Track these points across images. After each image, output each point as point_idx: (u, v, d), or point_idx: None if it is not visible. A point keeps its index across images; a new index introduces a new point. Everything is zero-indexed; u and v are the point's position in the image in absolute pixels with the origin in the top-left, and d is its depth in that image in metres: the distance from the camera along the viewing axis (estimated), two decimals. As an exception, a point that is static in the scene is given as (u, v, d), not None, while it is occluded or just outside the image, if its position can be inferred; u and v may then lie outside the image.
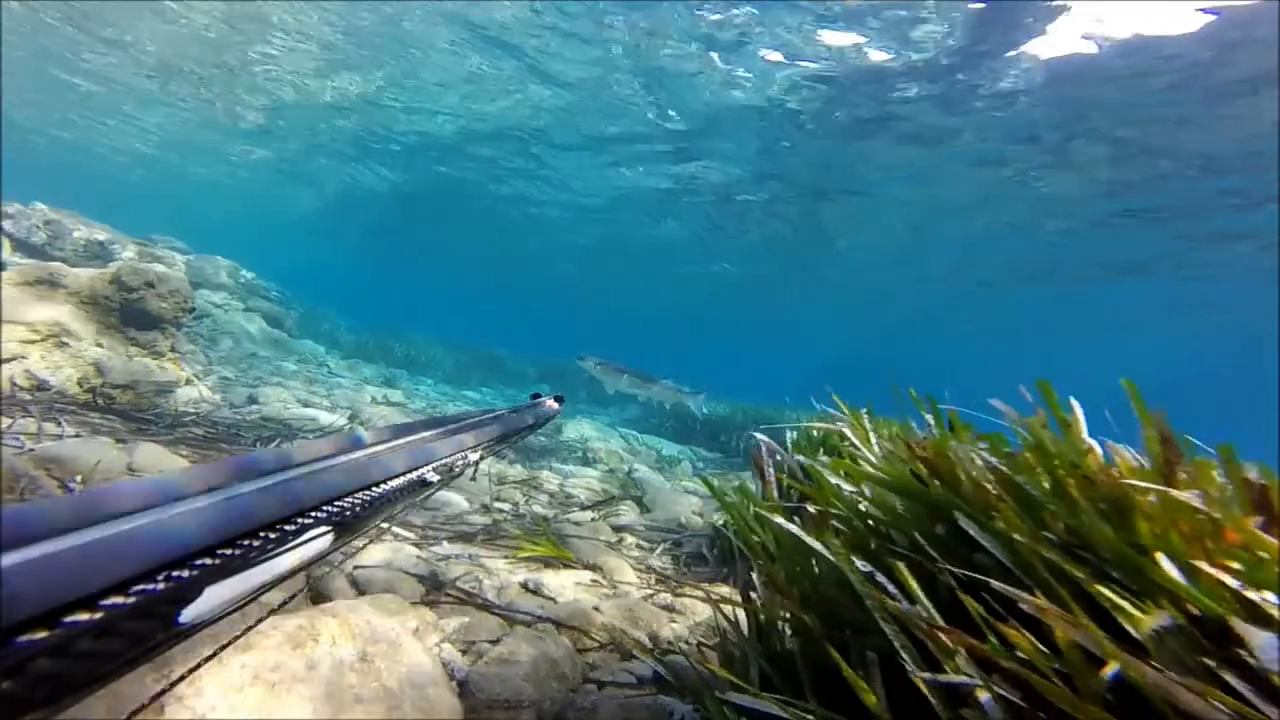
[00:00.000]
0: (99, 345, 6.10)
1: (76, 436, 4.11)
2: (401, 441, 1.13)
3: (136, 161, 25.23)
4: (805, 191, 16.75)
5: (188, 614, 0.60)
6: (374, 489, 0.90)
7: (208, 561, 0.61)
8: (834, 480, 2.05)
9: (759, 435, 3.38)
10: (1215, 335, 29.91)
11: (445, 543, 3.78)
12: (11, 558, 0.46)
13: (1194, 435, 1.48)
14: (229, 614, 0.66)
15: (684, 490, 7.69)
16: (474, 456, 1.40)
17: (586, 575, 3.58)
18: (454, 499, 4.85)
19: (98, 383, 5.79)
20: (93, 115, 19.52)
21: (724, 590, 3.59)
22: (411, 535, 3.78)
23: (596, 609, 3.08)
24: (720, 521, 4.83)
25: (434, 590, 2.99)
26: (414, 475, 1.04)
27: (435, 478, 1.12)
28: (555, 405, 2.33)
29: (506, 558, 3.71)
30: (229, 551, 0.64)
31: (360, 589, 2.86)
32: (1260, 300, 19.60)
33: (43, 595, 0.46)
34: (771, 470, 3.64)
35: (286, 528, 0.71)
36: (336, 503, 0.81)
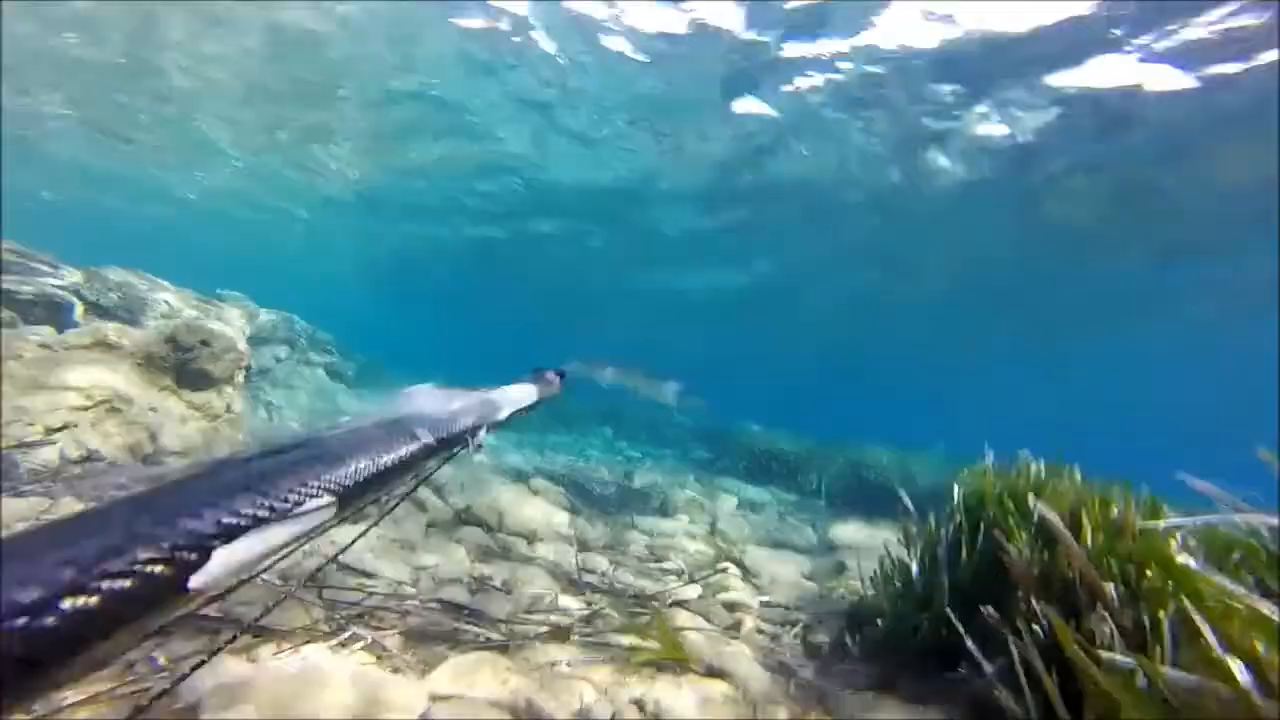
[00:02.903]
0: (152, 410, 5.73)
1: None
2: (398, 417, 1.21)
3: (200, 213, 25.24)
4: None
5: (196, 580, 0.62)
6: (375, 461, 0.99)
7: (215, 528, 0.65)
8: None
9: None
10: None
11: (538, 644, 3.11)
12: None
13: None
14: (241, 584, 0.75)
15: (775, 544, 6.90)
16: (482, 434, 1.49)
17: (716, 689, 2.85)
18: (537, 575, 4.20)
19: (150, 450, 5.41)
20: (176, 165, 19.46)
21: None
22: (497, 636, 3.12)
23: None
24: (852, 594, 4.05)
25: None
26: (415, 449, 1.12)
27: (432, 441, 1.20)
28: (557, 379, 2.41)
29: (611, 661, 3.02)
30: (233, 521, 0.68)
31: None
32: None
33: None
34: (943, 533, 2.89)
35: (290, 496, 0.77)
36: (339, 475, 0.88)
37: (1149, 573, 2.17)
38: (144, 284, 7.81)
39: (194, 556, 0.63)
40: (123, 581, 0.55)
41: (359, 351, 15.00)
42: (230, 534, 0.68)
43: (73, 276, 6.99)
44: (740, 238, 17.94)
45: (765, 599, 4.38)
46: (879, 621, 3.21)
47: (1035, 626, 2.18)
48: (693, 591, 4.45)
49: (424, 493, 5.51)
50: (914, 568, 3.02)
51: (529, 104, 12.10)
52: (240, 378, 6.87)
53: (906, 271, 18.70)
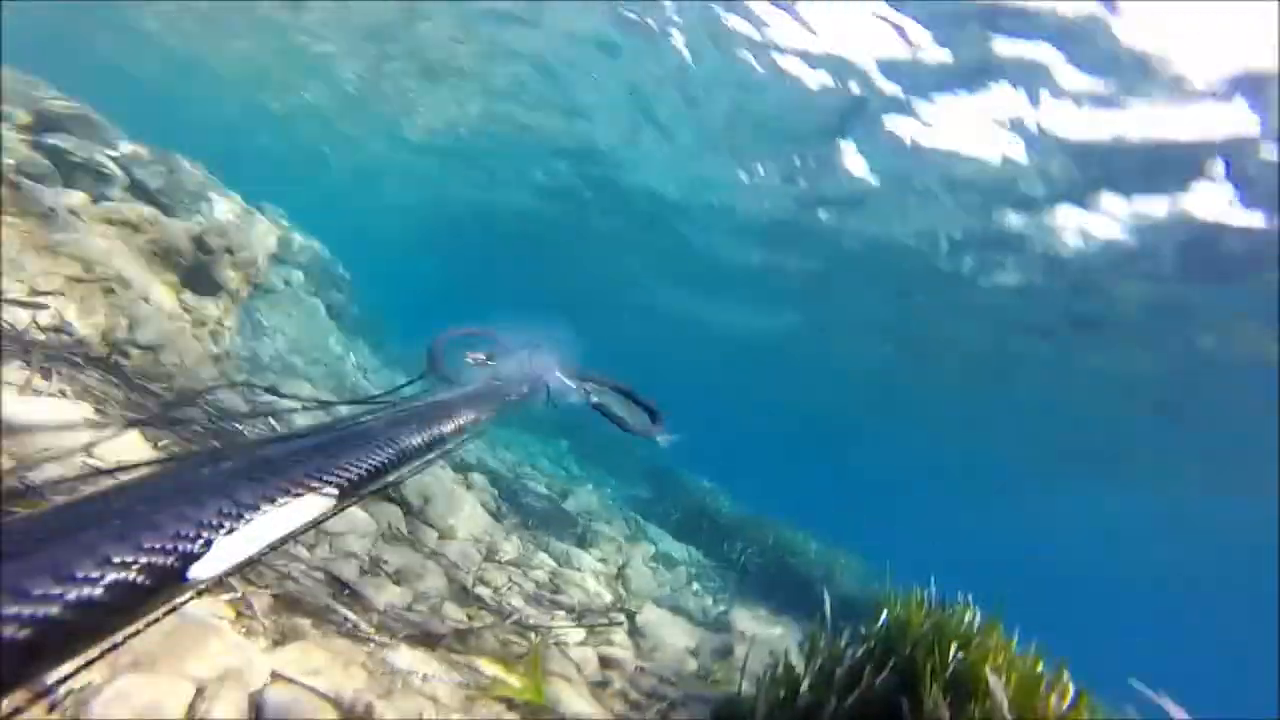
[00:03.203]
0: (144, 300, 5.62)
1: (59, 394, 3.55)
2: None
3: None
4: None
5: (196, 570, 0.63)
6: (379, 455, 1.02)
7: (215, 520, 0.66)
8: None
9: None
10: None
11: (404, 646, 3.08)
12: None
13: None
14: (237, 571, 0.71)
15: (674, 606, 6.89)
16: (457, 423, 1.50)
17: (558, 744, 2.84)
18: (433, 573, 4.17)
19: (122, 338, 5.28)
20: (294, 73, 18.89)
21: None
22: (365, 626, 3.09)
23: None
24: (728, 685, 4.06)
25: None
26: (417, 441, 1.17)
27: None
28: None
29: (467, 686, 3.00)
30: (233, 510, 0.69)
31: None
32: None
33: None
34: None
35: (291, 487, 0.78)
36: (343, 468, 0.90)
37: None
38: (196, 176, 7.67)
39: (195, 546, 0.63)
40: (124, 571, 0.56)
41: (370, 296, 14.85)
42: (231, 524, 0.68)
43: (128, 151, 6.88)
44: (781, 281, 18.03)
45: (641, 665, 4.37)
46: (748, 722, 3.21)
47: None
48: (577, 635, 4.43)
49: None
50: (805, 681, 3.03)
51: (638, 95, 12.20)
52: (245, 293, 6.79)
53: (927, 355, 18.77)
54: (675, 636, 5.36)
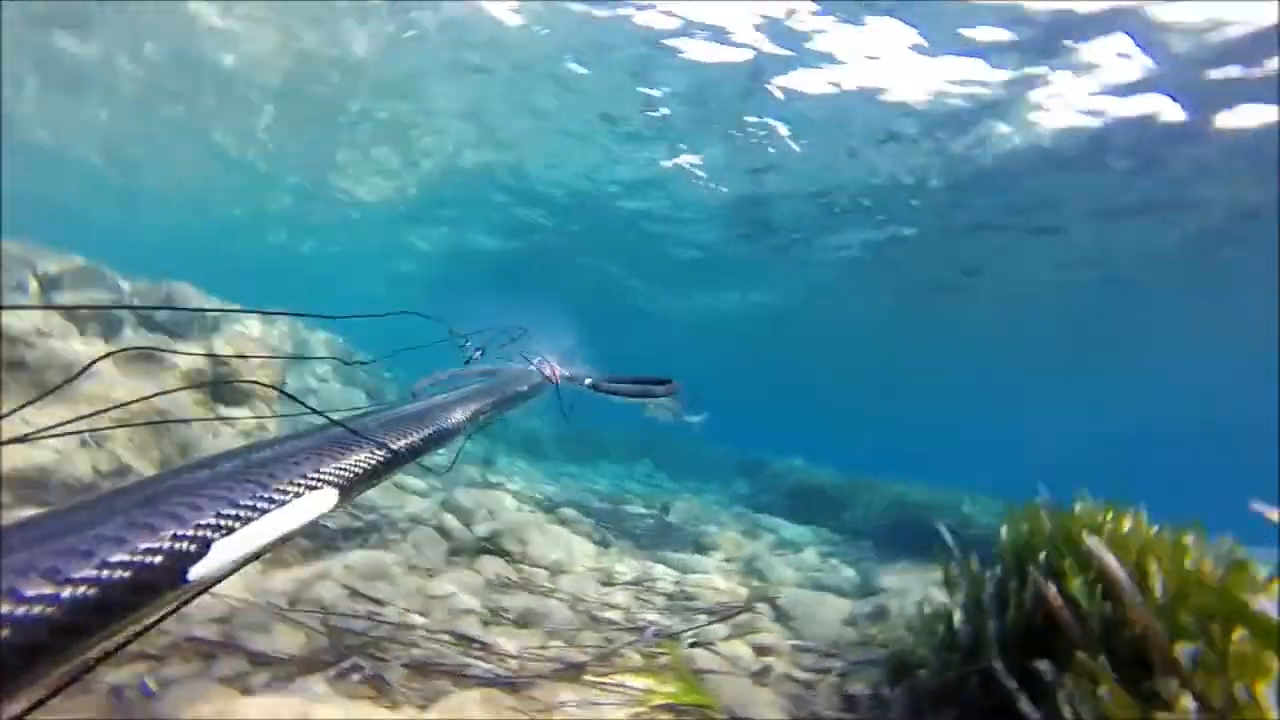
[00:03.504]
0: (188, 424, 5.78)
1: None
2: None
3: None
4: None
5: (195, 571, 0.62)
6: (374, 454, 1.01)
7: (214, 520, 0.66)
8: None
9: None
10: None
11: (548, 682, 2.91)
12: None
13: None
14: (236, 570, 0.69)
15: (816, 586, 6.54)
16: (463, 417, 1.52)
17: (737, 738, 2.61)
18: (554, 608, 4.01)
19: (182, 463, 5.41)
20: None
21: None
22: (504, 672, 2.94)
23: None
24: (893, 641, 3.74)
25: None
26: (415, 437, 1.18)
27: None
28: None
29: (623, 704, 2.80)
30: (233, 511, 0.69)
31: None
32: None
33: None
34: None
35: (290, 487, 0.78)
36: (338, 465, 0.89)
37: (1236, 634, 1.86)
38: (194, 297, 8.02)
39: (194, 548, 0.63)
40: (122, 572, 0.55)
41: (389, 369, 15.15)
42: (230, 525, 0.68)
43: (128, 289, 7.24)
44: (764, 253, 17.73)
45: (798, 643, 4.09)
46: (921, 672, 2.91)
47: (1098, 690, 1.90)
48: (720, 631, 4.19)
49: (449, 519, 5.40)
50: (957, 615, 2.73)
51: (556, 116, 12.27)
52: (274, 396, 6.95)
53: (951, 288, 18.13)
54: (824, 612, 5.05)
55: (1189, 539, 2.42)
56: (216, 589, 2.44)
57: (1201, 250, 13.14)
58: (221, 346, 6.38)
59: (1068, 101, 9.18)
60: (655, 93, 10.79)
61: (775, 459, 14.88)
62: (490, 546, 5.05)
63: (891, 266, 16.74)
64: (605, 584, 5.03)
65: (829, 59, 9.17)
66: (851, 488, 11.57)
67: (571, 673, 3.09)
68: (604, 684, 2.99)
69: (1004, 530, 3.04)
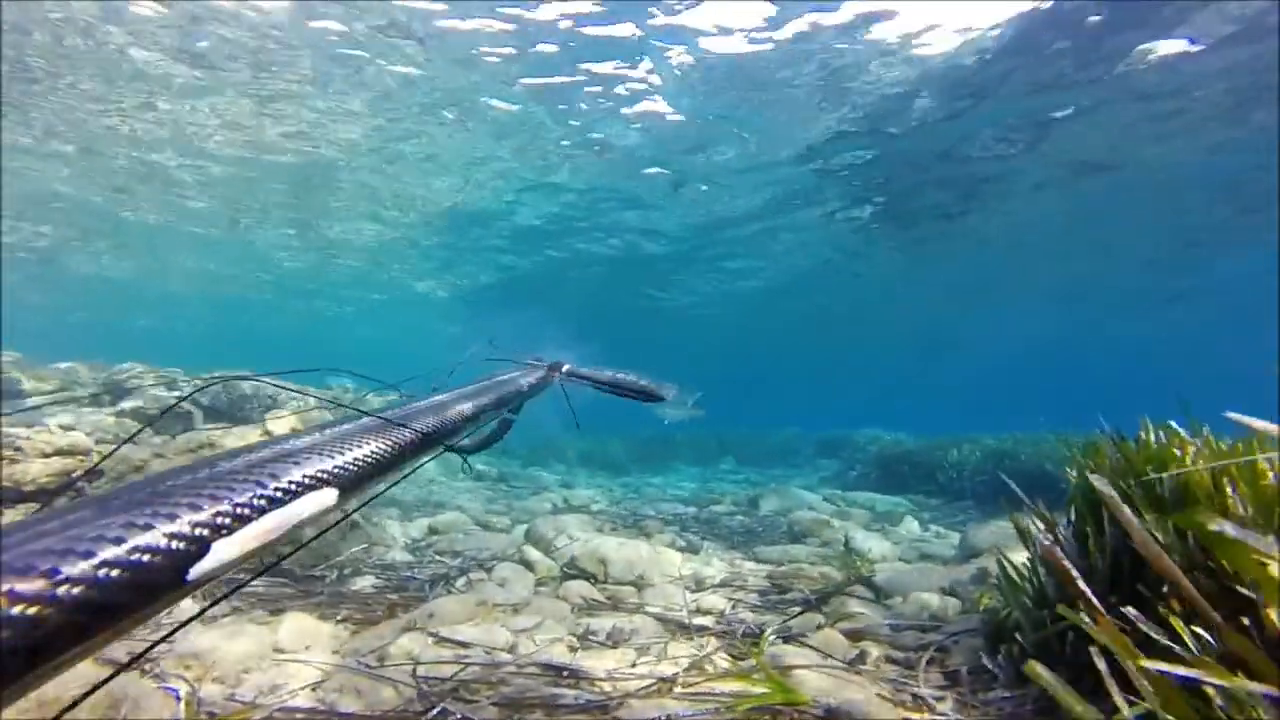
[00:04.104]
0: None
1: (229, 614, 3.81)
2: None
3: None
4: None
5: (195, 570, 0.63)
6: (374, 452, 1.01)
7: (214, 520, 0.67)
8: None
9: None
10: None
11: (637, 700, 2.91)
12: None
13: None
14: (234, 568, 0.69)
15: (919, 556, 6.30)
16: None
17: (832, 733, 2.53)
18: (642, 623, 4.01)
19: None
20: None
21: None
22: (595, 697, 2.96)
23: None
24: (997, 605, 3.55)
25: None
26: (410, 438, 1.16)
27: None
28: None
29: (715, 712, 2.77)
30: (233, 511, 0.70)
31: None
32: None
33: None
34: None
35: (286, 487, 0.79)
36: (337, 464, 0.90)
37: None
38: (250, 384, 8.53)
39: (194, 548, 0.64)
40: (122, 573, 0.56)
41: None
42: (229, 525, 0.69)
43: (187, 384, 7.80)
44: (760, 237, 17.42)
45: (897, 621, 3.94)
46: (1018, 636, 2.75)
47: (1196, 628, 1.74)
48: (815, 620, 4.09)
49: (530, 552, 5.50)
50: (1041, 570, 2.57)
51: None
52: None
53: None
54: (923, 583, 4.85)
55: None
56: (307, 657, 2.56)
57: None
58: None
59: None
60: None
61: (854, 433, 14.46)
62: (574, 571, 5.11)
63: (891, 219, 16.03)
64: (695, 590, 5.00)
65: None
66: (939, 449, 11.12)
67: (662, 687, 3.08)
68: (695, 694, 2.97)
69: (1071, 474, 2.85)
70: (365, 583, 4.79)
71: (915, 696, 2.88)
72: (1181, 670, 1.41)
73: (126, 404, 7.62)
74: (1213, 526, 1.38)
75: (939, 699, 2.86)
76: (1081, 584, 2.02)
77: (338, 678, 2.87)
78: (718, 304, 25.24)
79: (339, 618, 3.88)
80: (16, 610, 0.47)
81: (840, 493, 10.54)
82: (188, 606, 3.76)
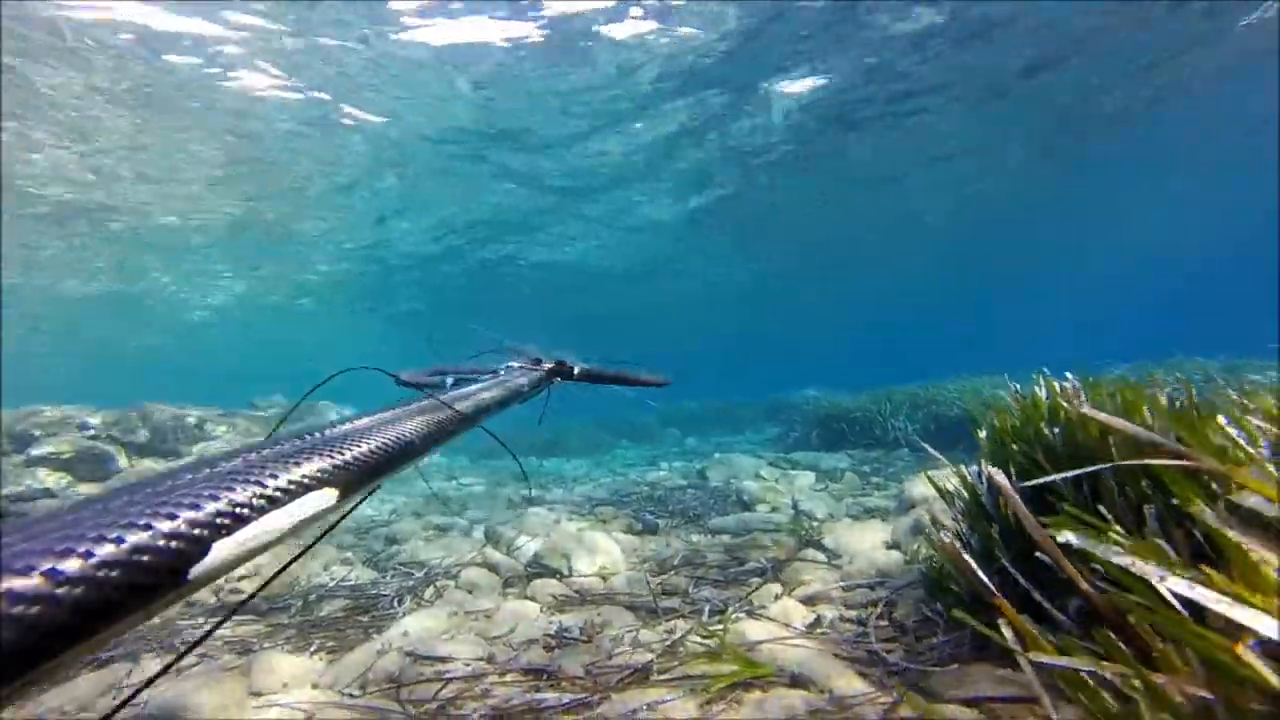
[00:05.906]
0: None
1: (198, 663, 3.78)
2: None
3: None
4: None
5: (195, 570, 0.64)
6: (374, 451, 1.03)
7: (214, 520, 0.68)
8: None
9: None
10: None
11: (615, 694, 3.08)
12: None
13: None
14: (234, 568, 0.70)
15: (862, 511, 6.69)
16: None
17: (798, 697, 2.76)
18: (613, 614, 4.18)
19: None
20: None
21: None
22: (575, 694, 3.11)
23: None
24: (928, 555, 3.87)
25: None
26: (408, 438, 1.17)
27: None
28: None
29: (691, 693, 2.97)
30: (233, 511, 0.71)
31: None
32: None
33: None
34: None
35: (287, 486, 0.80)
36: (338, 463, 0.91)
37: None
38: (170, 412, 8.17)
39: (194, 548, 0.65)
40: (122, 573, 0.56)
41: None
42: (229, 525, 0.70)
43: (99, 419, 7.41)
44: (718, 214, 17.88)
45: (847, 581, 4.24)
46: (953, 586, 3.05)
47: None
48: (774, 590, 4.35)
49: (492, 554, 5.59)
50: (964, 525, 2.85)
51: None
52: None
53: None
54: (867, 539, 5.20)
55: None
56: (286, 698, 2.60)
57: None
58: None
59: None
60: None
61: (796, 394, 15.00)
62: (537, 569, 5.23)
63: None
64: (657, 573, 5.20)
65: None
66: (873, 404, 11.69)
67: (638, 677, 3.26)
68: (671, 680, 3.16)
69: (982, 434, 3.14)
70: (333, 606, 4.79)
71: (870, 652, 3.15)
72: (1063, 661, 1.65)
73: (34, 451, 7.19)
74: (1060, 539, 1.62)
75: (889, 650, 3.14)
76: (981, 575, 2.28)
77: (324, 713, 2.93)
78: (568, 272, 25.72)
79: (312, 649, 3.90)
80: (16, 610, 0.47)
81: (784, 455, 10.95)
82: (149, 666, 3.71)
